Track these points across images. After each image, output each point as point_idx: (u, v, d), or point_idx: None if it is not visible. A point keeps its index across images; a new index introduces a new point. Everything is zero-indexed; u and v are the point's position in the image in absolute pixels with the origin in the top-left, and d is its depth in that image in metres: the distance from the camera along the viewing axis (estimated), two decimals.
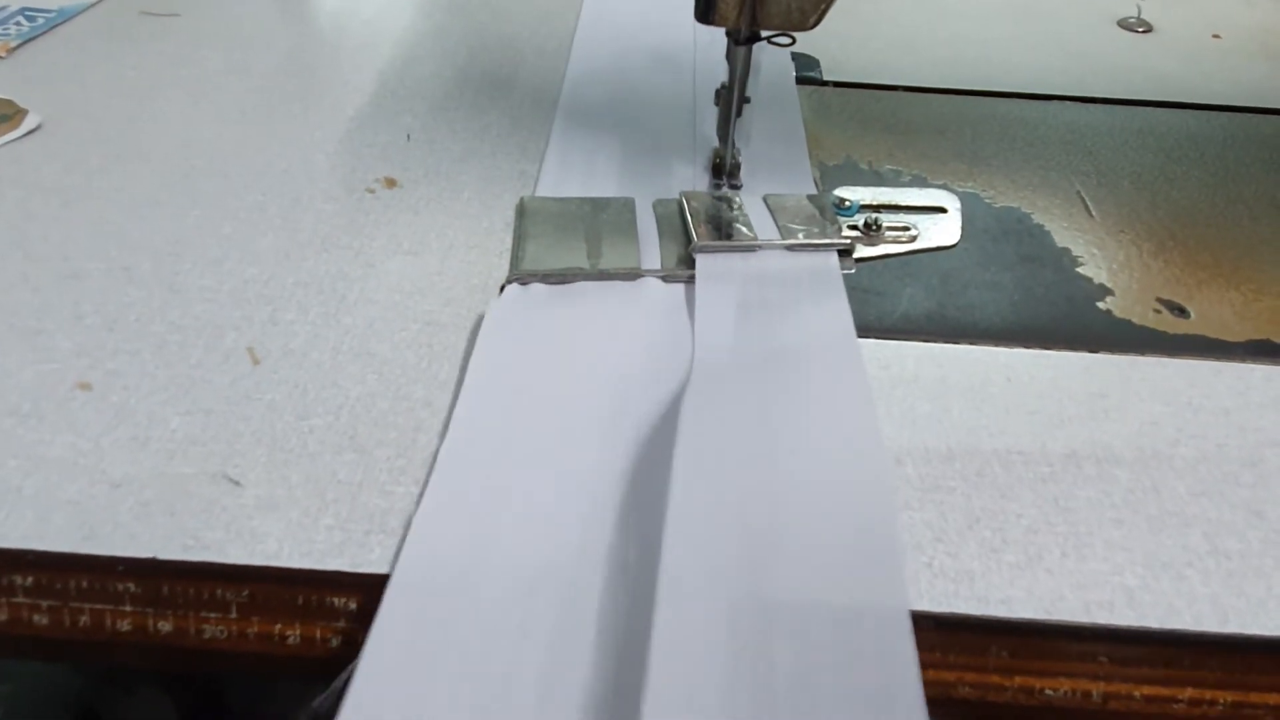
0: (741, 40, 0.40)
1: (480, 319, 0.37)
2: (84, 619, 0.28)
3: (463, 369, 0.35)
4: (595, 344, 0.35)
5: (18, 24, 0.57)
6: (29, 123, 0.48)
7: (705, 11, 0.39)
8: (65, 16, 0.59)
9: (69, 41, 0.57)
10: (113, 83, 0.53)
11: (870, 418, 0.32)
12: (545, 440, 0.31)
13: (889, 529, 0.29)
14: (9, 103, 0.49)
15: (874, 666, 0.25)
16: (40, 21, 0.58)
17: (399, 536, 0.29)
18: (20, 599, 0.28)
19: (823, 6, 0.38)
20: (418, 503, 0.29)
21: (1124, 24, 0.66)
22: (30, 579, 0.28)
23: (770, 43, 0.40)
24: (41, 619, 0.28)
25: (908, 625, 0.26)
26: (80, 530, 0.29)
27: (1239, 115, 0.55)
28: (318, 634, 0.28)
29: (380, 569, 0.28)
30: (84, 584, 0.28)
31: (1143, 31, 0.65)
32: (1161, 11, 0.67)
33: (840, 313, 0.36)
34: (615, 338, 0.36)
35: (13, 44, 0.55)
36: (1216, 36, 0.65)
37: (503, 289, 0.38)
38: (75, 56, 0.55)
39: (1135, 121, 0.54)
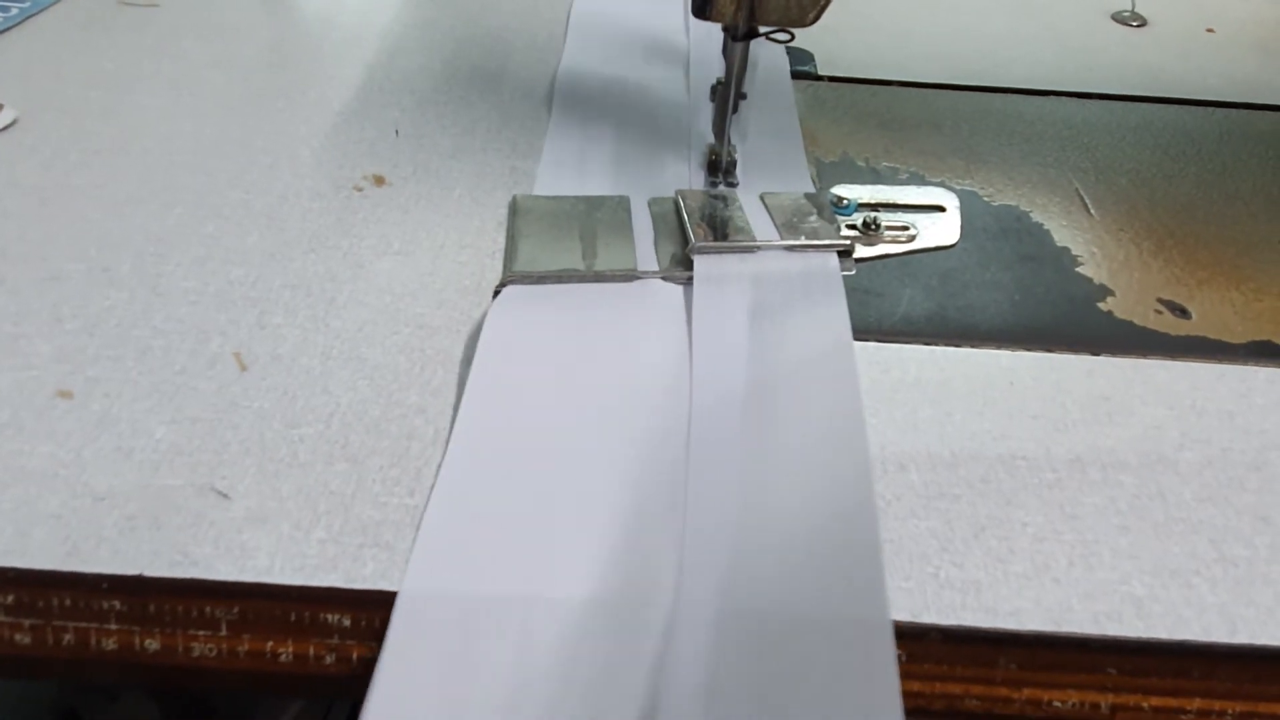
0: (739, 36, 0.40)
1: (478, 323, 0.36)
2: (68, 638, 0.27)
3: (458, 375, 0.34)
4: (597, 350, 0.34)
5: None
6: (4, 118, 0.46)
7: (702, 6, 0.38)
8: (40, 6, 0.57)
9: (44, 33, 0.55)
10: (91, 75, 0.51)
11: (860, 433, 0.31)
12: (549, 451, 0.31)
13: (871, 543, 0.28)
14: None
15: (855, 680, 0.25)
16: (14, 12, 0.56)
17: (393, 550, 0.28)
18: (1, 618, 0.27)
19: (822, 3, 0.38)
20: (420, 519, 0.29)
21: (1118, 18, 0.65)
22: (11, 597, 0.27)
23: (768, 39, 0.40)
24: (24, 638, 0.27)
25: (890, 639, 0.26)
26: (63, 546, 0.28)
27: (1234, 111, 0.55)
28: (311, 651, 0.27)
29: (375, 584, 0.27)
30: (67, 602, 0.27)
31: (1137, 25, 0.65)
32: (1155, 5, 0.67)
33: (839, 321, 0.36)
34: (616, 344, 0.35)
35: None
36: (1210, 30, 0.65)
37: (497, 292, 0.37)
38: (51, 48, 0.54)
39: (1132, 117, 0.54)
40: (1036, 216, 0.45)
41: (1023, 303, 0.39)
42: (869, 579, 0.27)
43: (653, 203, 0.43)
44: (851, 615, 0.26)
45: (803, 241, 0.40)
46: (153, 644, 0.27)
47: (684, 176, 0.45)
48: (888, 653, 0.25)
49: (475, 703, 0.24)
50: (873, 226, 0.42)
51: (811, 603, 0.27)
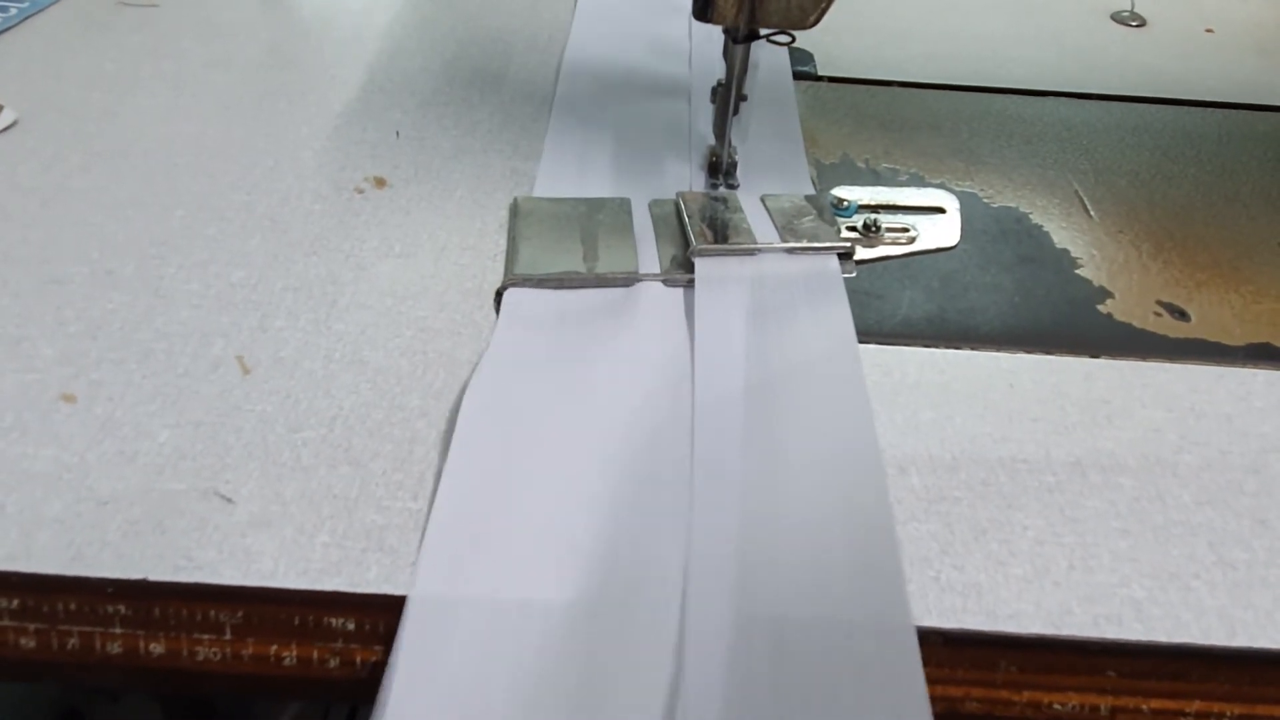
0: (740, 38, 0.40)
1: (485, 329, 0.36)
2: (73, 642, 0.27)
3: (461, 378, 0.34)
4: (598, 353, 0.35)
5: None
6: (4, 119, 0.46)
7: (703, 9, 0.38)
8: (39, 7, 0.57)
9: (43, 33, 0.55)
10: (91, 76, 0.51)
11: (870, 433, 0.32)
12: (552, 454, 0.31)
13: (889, 544, 0.28)
14: None
15: (881, 683, 0.25)
16: (13, 12, 0.56)
17: (397, 553, 0.28)
18: (6, 622, 0.27)
19: (823, 5, 0.38)
20: (425, 524, 0.29)
21: (1117, 18, 0.65)
22: (16, 601, 0.27)
23: (769, 41, 0.40)
24: (28, 642, 0.27)
25: (914, 641, 0.26)
26: (67, 550, 0.28)
27: (1234, 112, 0.55)
28: (315, 655, 0.27)
29: (378, 588, 0.27)
30: (72, 606, 0.27)
31: (1136, 26, 0.65)
32: (1154, 6, 0.67)
33: (842, 322, 0.36)
34: (617, 346, 0.35)
35: None
36: (1209, 31, 0.65)
37: (498, 294, 0.37)
38: (51, 49, 0.54)
39: (1131, 118, 0.54)
40: (1036, 218, 0.45)
41: (1023, 305, 0.39)
42: (889, 580, 0.27)
43: (653, 205, 0.43)
44: (873, 617, 0.26)
45: (803, 244, 0.40)
46: (157, 648, 0.27)
47: (685, 178, 0.45)
48: (912, 654, 0.25)
49: (490, 709, 0.24)
50: (873, 228, 0.42)
51: (831, 606, 0.27)
